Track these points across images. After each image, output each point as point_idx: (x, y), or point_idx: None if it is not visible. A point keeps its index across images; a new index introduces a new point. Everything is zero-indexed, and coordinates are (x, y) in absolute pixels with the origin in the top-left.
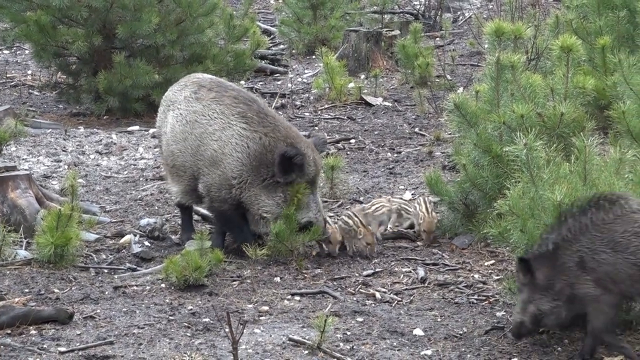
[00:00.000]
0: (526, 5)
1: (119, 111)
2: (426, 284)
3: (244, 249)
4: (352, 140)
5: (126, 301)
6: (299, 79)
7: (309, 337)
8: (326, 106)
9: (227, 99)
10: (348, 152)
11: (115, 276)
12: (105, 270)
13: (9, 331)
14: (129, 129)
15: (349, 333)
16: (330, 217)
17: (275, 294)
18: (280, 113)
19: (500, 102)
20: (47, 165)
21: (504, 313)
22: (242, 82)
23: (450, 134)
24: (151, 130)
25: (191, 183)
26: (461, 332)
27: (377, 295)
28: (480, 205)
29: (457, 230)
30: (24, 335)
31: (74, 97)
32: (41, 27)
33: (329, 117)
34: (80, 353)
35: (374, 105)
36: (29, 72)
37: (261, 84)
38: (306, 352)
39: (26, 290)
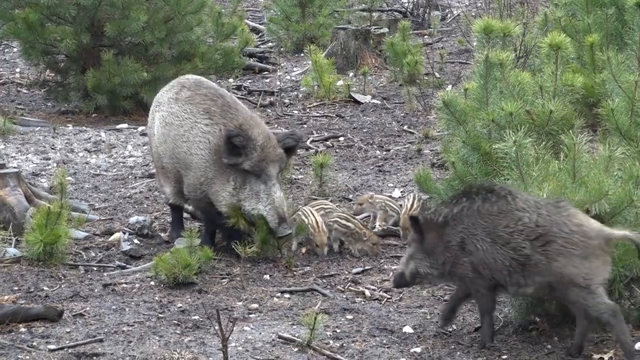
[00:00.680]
0: (515, 3)
1: (107, 109)
2: None
3: (233, 246)
4: (341, 138)
5: (115, 299)
6: (288, 77)
7: (298, 335)
8: (315, 104)
9: (198, 97)
10: (337, 150)
11: (105, 274)
12: (95, 268)
13: None
14: (118, 127)
15: (338, 331)
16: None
17: (265, 292)
18: (269, 111)
19: (489, 100)
20: (36, 163)
21: None
22: (231, 79)
23: (439, 131)
24: (140, 128)
25: (177, 184)
26: (450, 330)
27: (367, 292)
28: None
29: None
30: (13, 333)
31: (62, 95)
32: (29, 24)
33: (318, 114)
34: (69, 351)
35: (362, 103)
36: (17, 70)
37: (250, 82)
38: (296, 349)
39: (15, 288)
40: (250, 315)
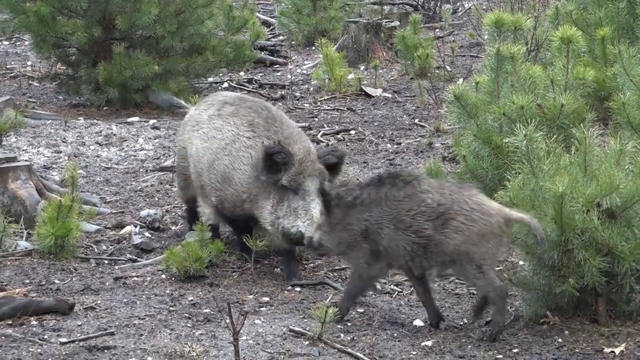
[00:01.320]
0: None
1: (118, 102)
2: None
3: (244, 239)
4: (352, 132)
5: (127, 292)
6: (299, 70)
7: (309, 328)
8: (326, 97)
9: (243, 109)
10: (348, 144)
11: (116, 267)
12: (106, 261)
13: (9, 322)
14: (129, 120)
15: (349, 324)
16: None
17: (276, 285)
18: (280, 104)
19: (500, 94)
20: (47, 156)
21: None
22: (242, 73)
23: (450, 125)
24: (151, 121)
25: (219, 203)
26: (461, 323)
27: (378, 286)
28: None
29: None
30: (24, 326)
31: (73, 88)
32: (41, 18)
33: (329, 108)
34: (81, 344)
35: (373, 97)
36: (29, 63)
37: (261, 75)
38: (307, 343)
39: (27, 281)
40: (261, 309)
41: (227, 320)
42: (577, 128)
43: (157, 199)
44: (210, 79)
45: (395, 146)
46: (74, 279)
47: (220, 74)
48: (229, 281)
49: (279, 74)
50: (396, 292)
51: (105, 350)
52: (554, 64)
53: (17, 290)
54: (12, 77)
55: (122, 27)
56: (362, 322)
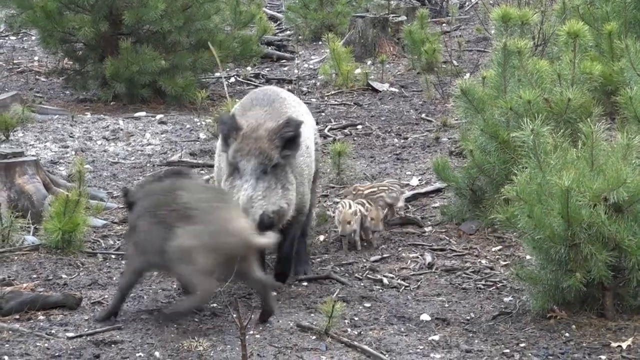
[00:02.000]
0: None
1: (125, 97)
2: (433, 270)
3: None
4: (359, 126)
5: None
6: (306, 65)
7: (316, 323)
8: (333, 92)
9: (250, 93)
10: (355, 138)
11: (123, 262)
12: (113, 256)
13: (17, 317)
14: (136, 115)
15: (356, 319)
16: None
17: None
18: None
19: (507, 88)
20: (55, 151)
21: (512, 298)
22: (249, 68)
23: (457, 119)
24: (158, 116)
25: None
26: (469, 318)
27: (385, 280)
28: (487, 191)
29: (464, 216)
30: (32, 321)
31: (80, 84)
32: (48, 13)
33: (336, 103)
34: (88, 339)
35: (380, 91)
36: (36, 58)
37: (268, 70)
38: (314, 337)
39: (34, 276)
40: None
41: (235, 315)
42: (584, 122)
43: None
44: (217, 74)
45: (402, 141)
46: (81, 274)
47: (227, 69)
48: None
49: (286, 68)
50: (403, 287)
51: (112, 345)
52: (561, 58)
53: (25, 285)
54: (19, 72)
55: (129, 22)
56: (369, 316)
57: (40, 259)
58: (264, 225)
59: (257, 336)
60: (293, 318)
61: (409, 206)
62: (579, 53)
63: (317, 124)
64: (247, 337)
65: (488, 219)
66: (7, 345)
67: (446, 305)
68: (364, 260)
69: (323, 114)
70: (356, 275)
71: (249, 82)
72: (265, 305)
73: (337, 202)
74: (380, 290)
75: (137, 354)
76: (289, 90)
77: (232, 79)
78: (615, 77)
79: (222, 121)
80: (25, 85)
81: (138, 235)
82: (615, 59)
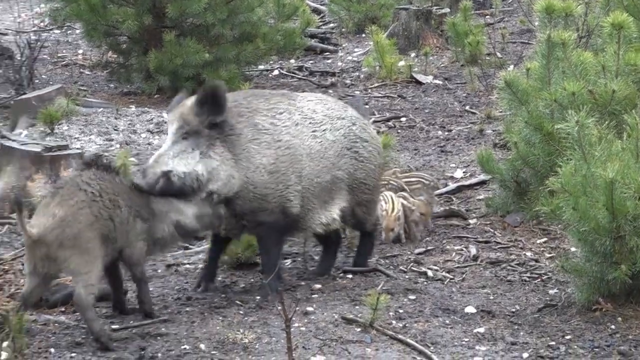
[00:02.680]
0: None
1: (169, 90)
2: (478, 262)
3: None
4: (403, 119)
5: (179, 279)
6: (349, 58)
7: (361, 315)
8: (376, 85)
9: None
10: (399, 131)
11: (168, 254)
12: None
13: (63, 309)
14: None
15: (401, 311)
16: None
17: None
18: (330, 92)
19: (551, 80)
20: (99, 144)
21: (557, 291)
22: (292, 60)
23: (501, 111)
24: None
25: None
26: (514, 310)
27: (429, 273)
28: (532, 183)
29: (509, 208)
30: (77, 313)
31: (124, 76)
32: (92, 6)
33: (380, 95)
34: (133, 331)
35: (424, 84)
36: (80, 51)
37: (311, 63)
38: (359, 329)
39: None
40: (313, 296)
41: (279, 308)
42: (629, 114)
43: None
44: (261, 67)
45: (446, 133)
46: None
47: (271, 62)
48: (281, 268)
49: (329, 61)
50: (448, 279)
51: (158, 337)
52: (605, 50)
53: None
54: (64, 66)
55: (172, 15)
56: (414, 309)
57: None
58: (173, 186)
59: (302, 328)
60: (338, 310)
61: (454, 198)
62: (624, 44)
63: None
64: (292, 329)
65: (533, 211)
66: (53, 338)
67: (491, 297)
68: (409, 253)
69: (367, 106)
70: (401, 267)
71: (292, 74)
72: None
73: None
74: (425, 283)
75: (183, 346)
76: (331, 82)
77: (276, 72)
78: None
79: (175, 99)
80: (70, 79)
81: None
82: None
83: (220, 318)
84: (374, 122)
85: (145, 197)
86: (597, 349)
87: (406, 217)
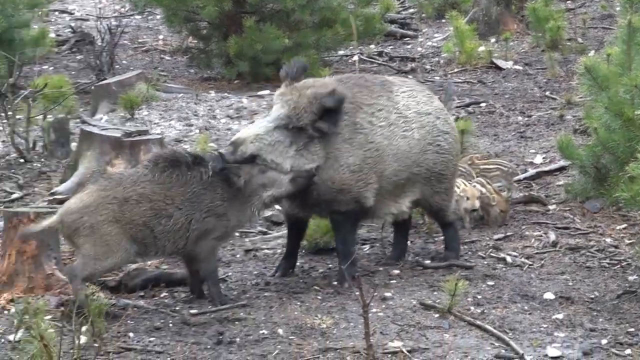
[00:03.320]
0: None
1: (249, 75)
2: (557, 248)
3: None
4: (483, 104)
5: (257, 264)
6: (429, 43)
7: (439, 301)
8: (456, 70)
9: None
10: (478, 116)
11: (246, 239)
12: (237, 234)
13: (141, 294)
14: (260, 93)
15: (479, 297)
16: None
17: (406, 258)
18: (410, 77)
19: (632, 65)
20: (179, 130)
21: (637, 277)
22: (372, 46)
23: (581, 97)
24: None
25: None
26: (593, 297)
27: (508, 259)
28: (611, 169)
29: (589, 194)
30: (156, 298)
31: (204, 62)
32: None
33: (459, 80)
34: (212, 316)
35: (504, 69)
36: (161, 37)
37: (391, 48)
38: (437, 315)
39: None
40: (392, 282)
41: (357, 293)
42: None
43: None
44: (341, 52)
45: (526, 119)
46: None
47: (351, 47)
48: (359, 253)
49: (409, 46)
50: (527, 265)
51: (236, 322)
52: None
53: (149, 262)
54: (144, 51)
55: (252, 0)
56: (492, 295)
57: None
58: (223, 160)
59: (380, 314)
60: (416, 296)
61: (533, 184)
62: None
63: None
64: (369, 314)
65: (612, 197)
66: (132, 322)
67: (570, 283)
68: (487, 239)
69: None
70: (479, 253)
71: (372, 60)
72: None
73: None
74: (504, 269)
75: (261, 331)
76: (411, 68)
77: (356, 57)
78: None
79: (289, 64)
80: (150, 64)
81: None
82: None
83: (299, 303)
84: (454, 107)
85: (222, 190)
86: None
87: (484, 204)
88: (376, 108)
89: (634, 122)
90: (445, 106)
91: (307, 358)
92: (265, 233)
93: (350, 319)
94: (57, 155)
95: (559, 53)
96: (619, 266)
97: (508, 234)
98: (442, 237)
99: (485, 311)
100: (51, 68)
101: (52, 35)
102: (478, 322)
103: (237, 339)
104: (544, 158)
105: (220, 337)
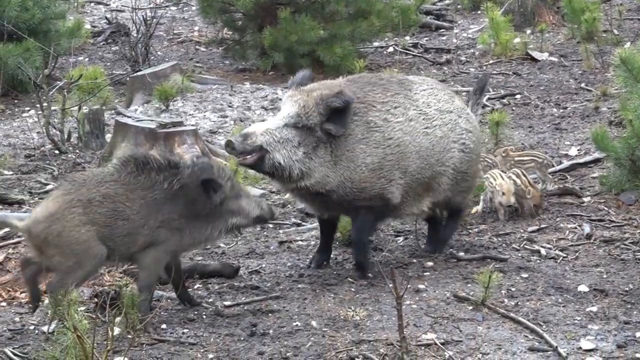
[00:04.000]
0: None
1: (284, 67)
2: (592, 240)
3: None
4: (518, 96)
5: (291, 256)
6: (464, 35)
7: (473, 293)
8: (491, 62)
9: None
10: (513, 108)
11: (280, 231)
12: (271, 226)
13: None
14: None
15: (513, 289)
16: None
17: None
18: (445, 68)
19: None
20: (213, 121)
21: None
22: (407, 37)
23: (616, 89)
24: None
25: None
26: (627, 289)
27: (542, 251)
28: None
29: (624, 186)
30: (190, 290)
31: (239, 53)
32: None
33: (495, 72)
34: (245, 307)
35: (539, 61)
36: (196, 28)
37: (426, 40)
38: (470, 308)
39: None
40: (425, 274)
41: (391, 285)
42: None
43: None
44: (376, 44)
45: (561, 110)
46: (239, 243)
47: (386, 39)
48: (393, 245)
49: (444, 38)
50: (561, 258)
51: (270, 314)
52: None
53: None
54: (180, 42)
55: None
56: (526, 287)
57: None
58: (263, 166)
59: (414, 306)
60: (450, 288)
61: (568, 176)
62: None
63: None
64: (403, 307)
65: None
66: (165, 313)
67: (604, 276)
68: (522, 231)
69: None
70: (513, 245)
71: (407, 51)
72: None
73: (488, 172)
74: (538, 261)
75: (294, 323)
76: (446, 59)
77: (391, 49)
78: None
79: (299, 73)
80: (185, 55)
81: None
82: None
83: (332, 295)
84: (489, 99)
85: (184, 206)
86: None
87: (518, 196)
88: (392, 105)
89: None
90: (475, 99)
91: (340, 350)
92: (299, 225)
93: (384, 311)
94: (91, 147)
95: (595, 45)
96: None
97: (542, 226)
98: (476, 229)
99: (519, 303)
100: (86, 59)
101: (88, 26)
102: (512, 315)
103: (271, 331)
104: (578, 150)
105: (254, 328)
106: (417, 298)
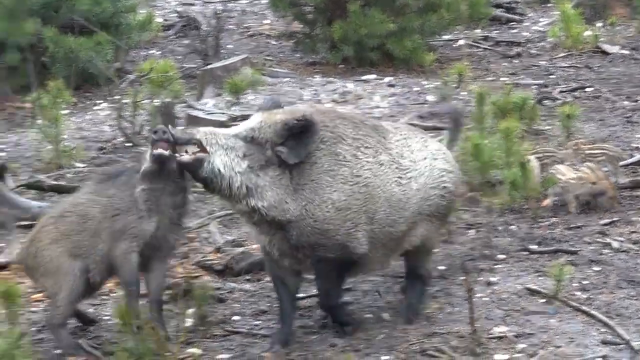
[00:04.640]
0: None
1: (354, 60)
2: None
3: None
4: (588, 89)
5: None
6: (535, 28)
7: (545, 287)
8: (562, 55)
9: None
10: (584, 101)
11: None
12: None
13: (247, 277)
14: (364, 77)
15: (585, 282)
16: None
17: (511, 243)
18: (516, 62)
19: None
20: None
21: None
22: (477, 30)
23: None
24: (387, 79)
25: None
26: None
27: (614, 244)
28: None
29: None
30: (261, 282)
31: (309, 46)
32: None
33: (565, 65)
34: (316, 299)
35: (610, 54)
36: (266, 21)
37: (496, 33)
38: (542, 301)
39: None
40: (497, 266)
41: (462, 278)
42: None
43: None
44: (445, 37)
45: (633, 104)
46: None
47: (456, 32)
48: (464, 238)
49: (514, 31)
50: (633, 251)
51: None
52: None
53: (255, 246)
54: (250, 36)
55: None
56: (598, 280)
57: None
58: (199, 172)
59: (485, 299)
60: (521, 281)
61: (639, 169)
62: None
63: (546, 86)
64: (474, 299)
65: None
66: (237, 305)
67: None
68: (593, 224)
69: (552, 76)
70: (585, 239)
71: (477, 44)
72: None
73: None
74: (610, 254)
75: (366, 316)
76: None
77: (461, 42)
78: None
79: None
80: (256, 49)
81: None
82: None
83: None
84: (560, 92)
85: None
86: None
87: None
88: (362, 144)
89: None
90: (452, 135)
91: (412, 342)
92: None
93: (456, 303)
94: None
95: None
96: None
97: (614, 219)
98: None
99: (591, 297)
100: (157, 52)
101: (159, 19)
102: (584, 308)
103: None
104: None
105: (325, 321)
106: (489, 291)
